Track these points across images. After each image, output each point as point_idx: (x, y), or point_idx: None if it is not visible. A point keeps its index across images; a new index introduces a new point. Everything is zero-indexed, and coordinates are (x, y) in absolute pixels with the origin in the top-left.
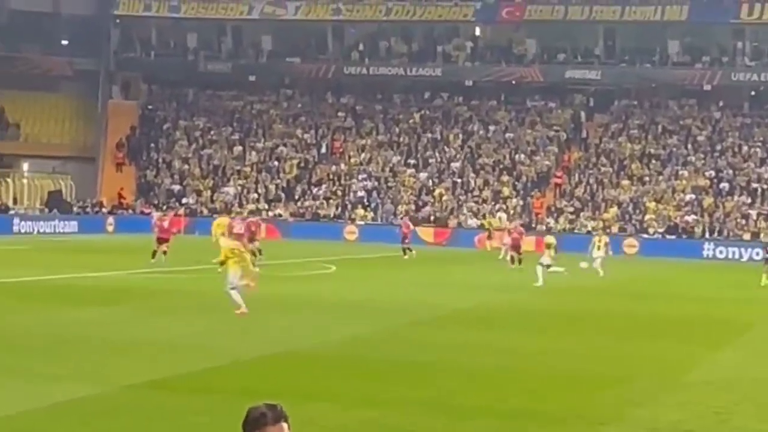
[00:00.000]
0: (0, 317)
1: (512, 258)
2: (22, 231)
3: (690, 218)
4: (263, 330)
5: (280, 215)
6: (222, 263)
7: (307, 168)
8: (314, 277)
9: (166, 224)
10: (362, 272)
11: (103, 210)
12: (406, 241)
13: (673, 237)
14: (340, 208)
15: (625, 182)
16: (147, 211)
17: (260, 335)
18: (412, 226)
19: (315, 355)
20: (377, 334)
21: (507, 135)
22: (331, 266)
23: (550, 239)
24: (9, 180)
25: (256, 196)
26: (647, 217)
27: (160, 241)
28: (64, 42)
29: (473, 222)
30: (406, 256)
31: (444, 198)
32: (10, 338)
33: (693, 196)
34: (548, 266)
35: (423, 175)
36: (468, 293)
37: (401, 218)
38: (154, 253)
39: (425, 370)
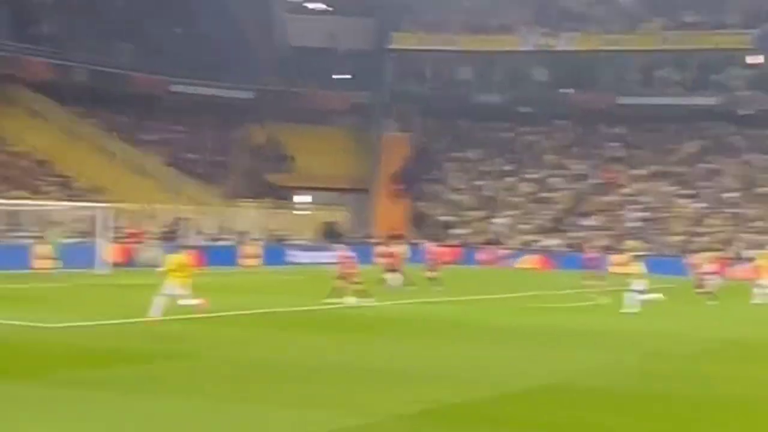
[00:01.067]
0: (269, 346)
1: None
2: (296, 261)
3: None
4: (528, 360)
5: (549, 247)
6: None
7: (578, 199)
8: (580, 308)
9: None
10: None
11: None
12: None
13: None
14: (612, 240)
15: None
16: (419, 242)
17: (524, 366)
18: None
19: (578, 388)
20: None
21: None
22: (600, 297)
23: None
24: (285, 212)
25: (527, 227)
26: None
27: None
28: (341, 76)
29: (749, 253)
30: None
31: (718, 229)
32: (277, 367)
33: None
34: None
35: (697, 206)
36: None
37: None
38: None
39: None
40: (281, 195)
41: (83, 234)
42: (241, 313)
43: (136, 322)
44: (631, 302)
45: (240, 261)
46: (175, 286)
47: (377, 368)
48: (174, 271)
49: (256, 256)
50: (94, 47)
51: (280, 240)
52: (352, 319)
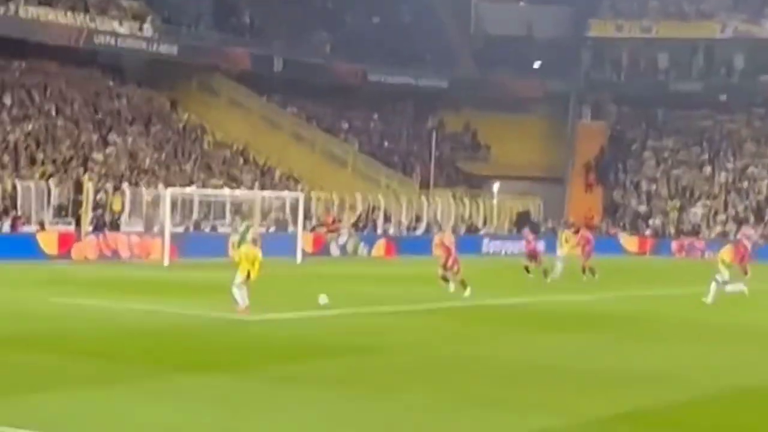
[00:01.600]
0: (477, 344)
1: None
2: (491, 251)
3: None
4: (732, 361)
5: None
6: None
7: None
8: None
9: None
10: None
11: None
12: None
13: None
14: None
15: None
16: (613, 232)
17: (727, 366)
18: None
19: None
20: None
21: None
22: None
23: None
24: (479, 201)
25: (724, 217)
26: None
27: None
28: (536, 64)
29: None
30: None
31: None
32: (485, 365)
33: None
34: None
35: None
36: None
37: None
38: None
39: None
40: (475, 184)
41: (281, 223)
42: (435, 306)
43: (327, 314)
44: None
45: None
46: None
47: (572, 368)
48: (244, 262)
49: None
50: (293, 37)
51: (473, 230)
52: (543, 313)
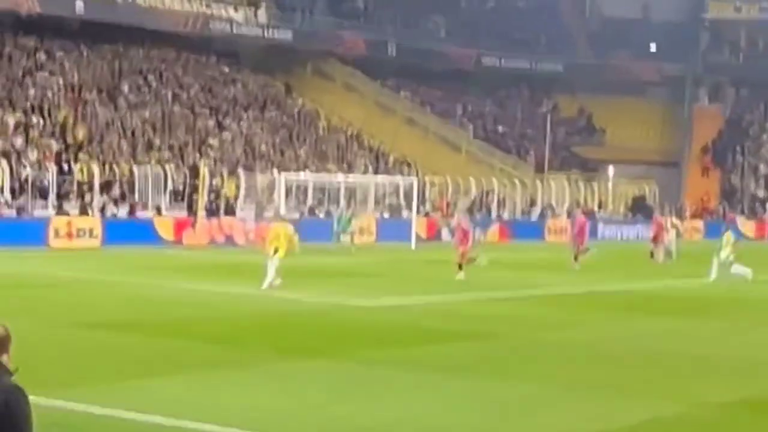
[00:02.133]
0: (590, 329)
1: None
2: (606, 236)
3: None
4: None
5: None
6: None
7: None
8: None
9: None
10: None
11: (685, 215)
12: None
13: None
14: None
15: None
16: (731, 216)
17: None
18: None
19: None
20: None
21: None
22: None
23: None
24: (594, 185)
25: None
26: None
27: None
28: (653, 47)
29: None
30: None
31: None
32: (597, 351)
33: None
34: None
35: None
36: None
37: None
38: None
39: None
40: (590, 168)
41: (395, 208)
42: (548, 292)
43: (439, 300)
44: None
45: (548, 236)
46: (275, 257)
47: (686, 353)
48: (274, 241)
49: (564, 232)
50: (407, 22)
51: (589, 214)
52: (656, 298)
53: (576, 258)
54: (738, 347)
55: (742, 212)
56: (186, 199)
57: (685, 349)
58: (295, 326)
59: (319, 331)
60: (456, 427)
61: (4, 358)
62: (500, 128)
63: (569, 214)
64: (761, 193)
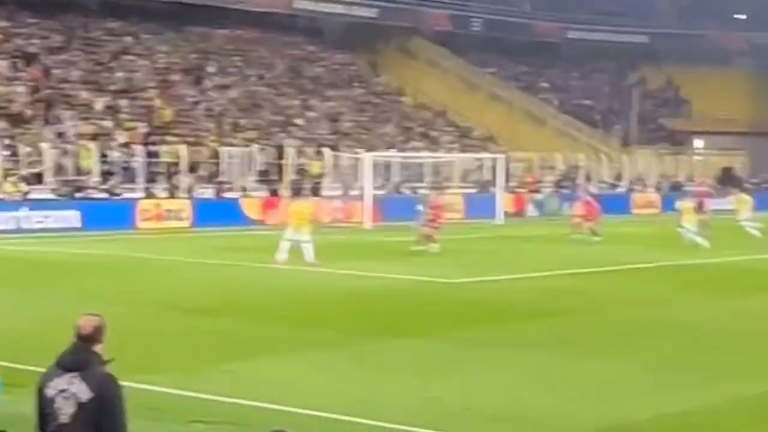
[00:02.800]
0: (679, 306)
1: None
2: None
3: None
4: None
5: None
6: None
7: None
8: None
9: None
10: None
11: None
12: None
13: None
14: None
15: None
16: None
17: None
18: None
19: None
20: None
21: None
22: None
23: None
24: (682, 157)
25: None
26: None
27: None
28: (741, 16)
29: None
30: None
31: None
32: (695, 330)
33: None
34: None
35: None
36: None
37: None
38: None
39: None
40: (678, 140)
41: (483, 184)
42: (637, 267)
43: (528, 276)
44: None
45: (635, 210)
46: (299, 233)
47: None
48: (296, 218)
49: (652, 205)
50: None
51: (677, 187)
52: (752, 274)
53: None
54: None
55: None
56: (272, 179)
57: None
58: (384, 305)
59: (410, 310)
60: (554, 407)
61: (98, 347)
62: (586, 102)
63: (657, 188)
64: None
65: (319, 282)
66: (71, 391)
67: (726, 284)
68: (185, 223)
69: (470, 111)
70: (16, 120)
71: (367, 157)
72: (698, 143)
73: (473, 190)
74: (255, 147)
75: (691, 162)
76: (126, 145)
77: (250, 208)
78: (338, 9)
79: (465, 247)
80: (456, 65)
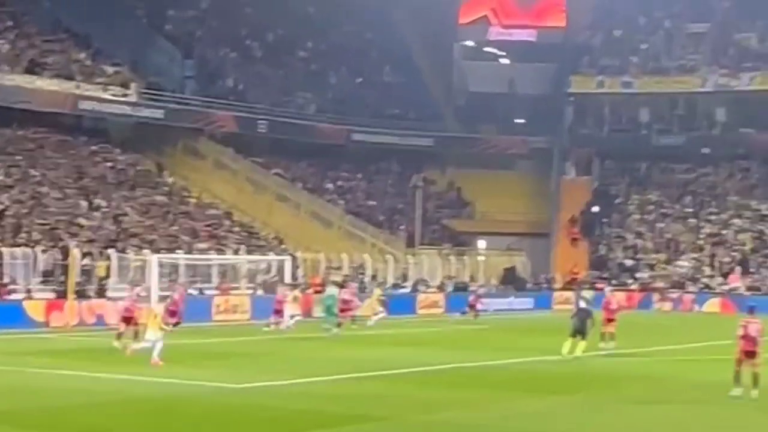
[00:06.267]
0: (465, 407)
1: None
2: (479, 309)
3: None
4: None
5: (735, 289)
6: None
7: (762, 240)
8: None
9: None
10: None
11: (555, 286)
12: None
13: None
14: None
15: None
16: (600, 286)
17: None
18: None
19: None
20: None
21: None
22: None
23: None
24: (465, 258)
25: (709, 270)
26: None
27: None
28: (519, 121)
29: None
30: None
31: None
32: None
33: None
34: None
35: None
36: None
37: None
38: (602, 335)
39: None
40: (461, 241)
41: (269, 285)
42: (428, 369)
43: (320, 380)
44: None
45: (420, 310)
46: (153, 334)
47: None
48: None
49: (436, 305)
50: (277, 99)
51: (461, 287)
52: (548, 376)
53: None
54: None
55: (610, 282)
56: (57, 280)
57: (554, 425)
58: (171, 411)
59: (198, 416)
60: None
61: None
62: (371, 203)
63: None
64: (629, 263)
65: (102, 388)
66: None
67: (513, 386)
68: None
69: (258, 211)
70: None
71: (154, 258)
72: (481, 244)
73: (260, 292)
74: (39, 248)
75: (475, 262)
76: None
77: (34, 310)
78: (124, 110)
79: (249, 350)
80: (243, 166)
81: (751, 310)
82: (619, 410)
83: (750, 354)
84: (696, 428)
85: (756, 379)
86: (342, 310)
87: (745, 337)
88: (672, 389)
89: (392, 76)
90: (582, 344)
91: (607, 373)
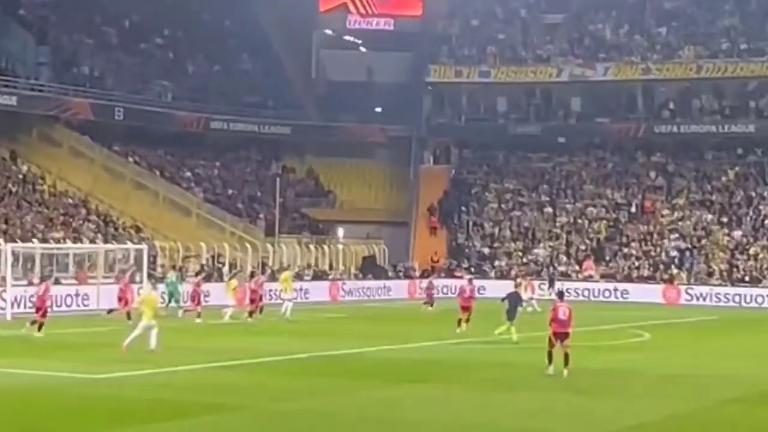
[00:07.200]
0: (322, 395)
1: None
2: (339, 298)
3: None
4: (581, 409)
5: (590, 277)
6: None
7: (617, 228)
8: (625, 346)
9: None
10: (678, 340)
11: (415, 274)
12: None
13: None
14: (651, 269)
15: None
16: (458, 274)
17: (581, 416)
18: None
19: None
20: (696, 414)
21: None
22: (645, 333)
23: None
24: (325, 246)
25: (565, 258)
26: None
27: (464, 309)
28: (378, 110)
29: None
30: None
31: (760, 257)
32: (339, 419)
33: None
34: None
35: (737, 234)
36: None
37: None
38: (459, 322)
39: None
40: (321, 229)
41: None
42: (286, 359)
43: (180, 370)
44: None
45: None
46: (146, 322)
47: (426, 421)
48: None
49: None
50: (134, 86)
51: (321, 275)
52: (403, 364)
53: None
54: (456, 413)
55: (469, 270)
56: None
57: (413, 414)
58: (24, 402)
59: (52, 407)
60: None
61: None
62: (230, 191)
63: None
64: (487, 251)
65: None
66: None
67: (369, 374)
68: None
69: (115, 200)
70: None
71: (8, 248)
72: (341, 232)
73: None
74: None
75: (335, 250)
76: None
77: None
78: None
79: (104, 340)
80: (99, 154)
81: (560, 295)
82: (470, 398)
83: (561, 336)
84: (543, 416)
85: (567, 358)
86: (252, 301)
87: (555, 320)
88: (519, 375)
89: (251, 64)
90: (510, 327)
91: (461, 361)
